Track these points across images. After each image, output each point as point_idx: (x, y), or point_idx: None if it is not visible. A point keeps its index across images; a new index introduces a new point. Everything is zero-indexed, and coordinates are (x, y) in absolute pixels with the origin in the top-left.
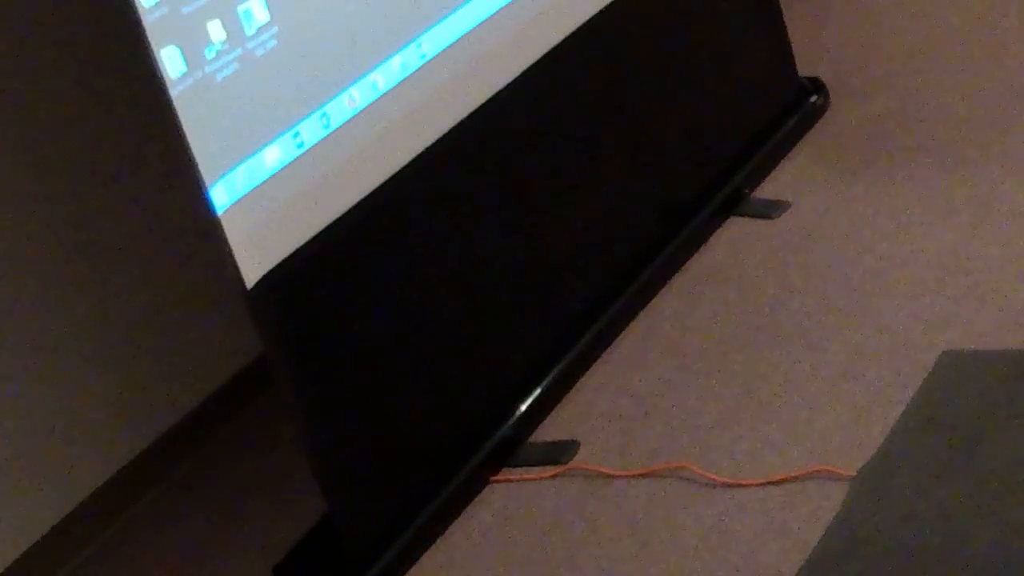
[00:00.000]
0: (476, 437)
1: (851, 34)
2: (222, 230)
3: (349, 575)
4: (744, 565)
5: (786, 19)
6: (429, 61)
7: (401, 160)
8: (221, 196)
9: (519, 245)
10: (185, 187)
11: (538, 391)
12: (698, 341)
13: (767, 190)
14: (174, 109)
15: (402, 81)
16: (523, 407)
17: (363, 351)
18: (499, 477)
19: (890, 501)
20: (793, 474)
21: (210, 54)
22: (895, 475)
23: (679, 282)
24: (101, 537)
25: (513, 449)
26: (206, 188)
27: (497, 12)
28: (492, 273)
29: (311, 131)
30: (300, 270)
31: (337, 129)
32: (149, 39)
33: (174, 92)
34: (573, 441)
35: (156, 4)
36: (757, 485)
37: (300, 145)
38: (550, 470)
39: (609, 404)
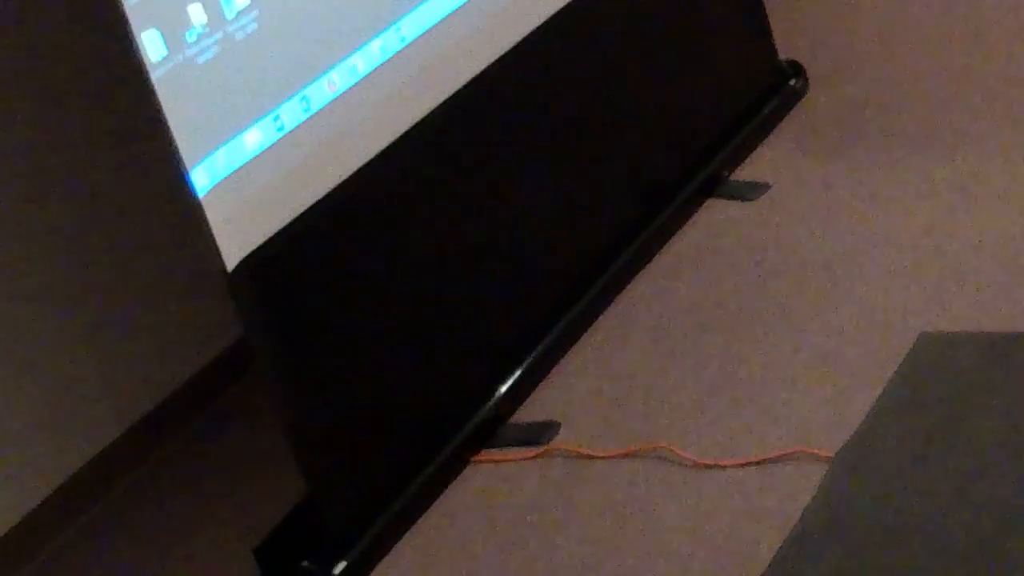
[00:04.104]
0: (456, 418)
1: (830, 18)
2: (203, 212)
3: (330, 556)
4: (724, 545)
5: (765, 2)
6: (409, 44)
7: (381, 143)
8: (202, 178)
9: (499, 227)
10: (166, 169)
11: (518, 372)
12: (677, 323)
13: (746, 172)
14: (155, 92)
15: (382, 64)
16: (503, 388)
17: (343, 332)
18: (480, 458)
19: (868, 481)
20: (772, 455)
21: (191, 37)
22: (873, 456)
23: (658, 264)
24: (80, 520)
25: (493, 430)
26: (187, 170)
27: None
28: (472, 255)
29: (291, 114)
30: (281, 252)
31: (317, 112)
32: (130, 22)
33: (155, 75)
34: (553, 422)
35: None
36: (736, 466)
37: (280, 128)
38: (530, 451)
39: (589, 385)
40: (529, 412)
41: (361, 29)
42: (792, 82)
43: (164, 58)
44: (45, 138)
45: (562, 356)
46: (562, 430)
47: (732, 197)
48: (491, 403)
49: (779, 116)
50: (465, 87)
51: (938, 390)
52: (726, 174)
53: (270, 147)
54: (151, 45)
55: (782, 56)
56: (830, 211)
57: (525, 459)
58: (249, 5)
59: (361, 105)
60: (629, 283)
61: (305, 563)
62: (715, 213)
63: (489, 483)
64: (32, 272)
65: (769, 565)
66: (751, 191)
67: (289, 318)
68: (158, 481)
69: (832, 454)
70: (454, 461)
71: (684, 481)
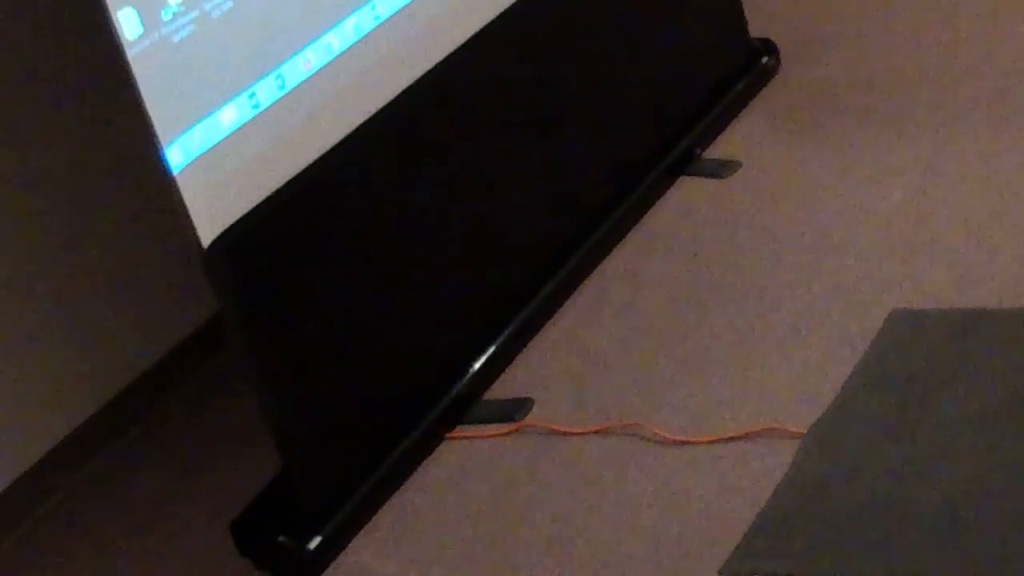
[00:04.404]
0: (431, 394)
1: None
2: (178, 190)
3: (305, 531)
4: (696, 521)
5: None
6: (383, 22)
7: (356, 120)
8: (177, 156)
9: (474, 204)
10: (141, 146)
11: (492, 349)
12: (650, 300)
13: (718, 150)
14: (131, 70)
15: (357, 42)
16: (477, 365)
17: (318, 309)
18: (454, 434)
19: (840, 458)
20: (744, 431)
21: (167, 16)
22: (845, 432)
23: (631, 241)
24: (57, 495)
25: (467, 406)
26: (162, 148)
27: None
28: (447, 232)
29: (267, 92)
30: (256, 229)
31: (292, 90)
32: (106, 0)
33: (131, 53)
34: (527, 399)
35: None
36: (709, 442)
37: (256, 106)
38: (504, 427)
39: (562, 362)
40: (503, 389)
41: (336, 7)
42: (764, 60)
43: (140, 36)
44: (19, 116)
45: (536, 333)
46: (536, 407)
47: (704, 175)
48: (465, 380)
49: (751, 94)
50: (438, 66)
51: (910, 366)
52: (698, 152)
53: (245, 125)
54: (127, 23)
55: (754, 34)
56: (802, 189)
57: (499, 435)
58: None
59: (336, 83)
60: (602, 260)
61: (281, 538)
62: (687, 191)
63: (463, 459)
64: (6, 250)
65: (741, 540)
66: (723, 169)
67: (264, 295)
68: (134, 457)
69: (804, 430)
70: (428, 437)
71: (657, 457)
